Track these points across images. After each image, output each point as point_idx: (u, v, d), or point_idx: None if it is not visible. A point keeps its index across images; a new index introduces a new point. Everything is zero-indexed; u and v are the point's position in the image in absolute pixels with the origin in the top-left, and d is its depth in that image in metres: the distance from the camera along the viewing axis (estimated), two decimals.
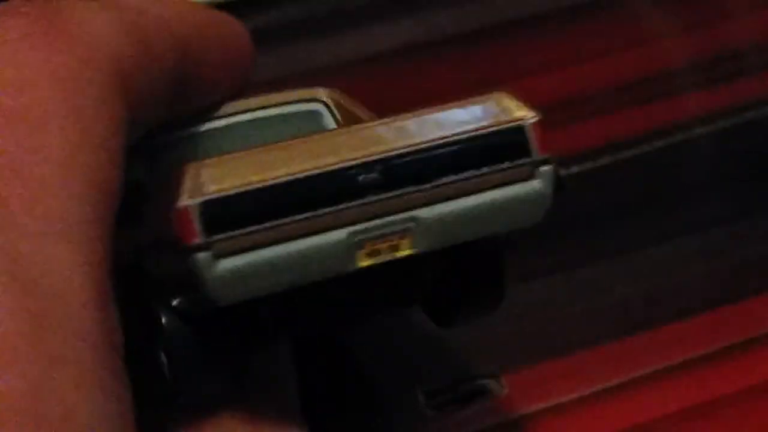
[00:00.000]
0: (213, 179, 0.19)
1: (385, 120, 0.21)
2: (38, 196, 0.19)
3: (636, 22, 0.41)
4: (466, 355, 0.30)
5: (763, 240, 0.34)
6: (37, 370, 0.17)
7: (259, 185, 0.19)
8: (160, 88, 0.22)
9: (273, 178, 0.20)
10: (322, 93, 0.25)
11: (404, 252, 0.20)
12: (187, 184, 0.19)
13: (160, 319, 0.21)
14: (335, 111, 0.25)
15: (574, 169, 0.35)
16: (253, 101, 0.25)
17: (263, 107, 0.25)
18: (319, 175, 0.20)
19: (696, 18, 0.41)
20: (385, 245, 0.20)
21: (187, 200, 0.19)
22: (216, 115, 0.25)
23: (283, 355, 0.24)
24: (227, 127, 0.25)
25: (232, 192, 0.19)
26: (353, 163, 0.20)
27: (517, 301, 0.31)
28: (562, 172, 0.33)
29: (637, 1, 0.42)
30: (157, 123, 0.23)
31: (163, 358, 0.22)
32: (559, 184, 0.28)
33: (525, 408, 0.30)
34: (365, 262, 0.20)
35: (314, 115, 0.25)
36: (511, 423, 0.29)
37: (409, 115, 0.21)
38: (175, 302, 0.21)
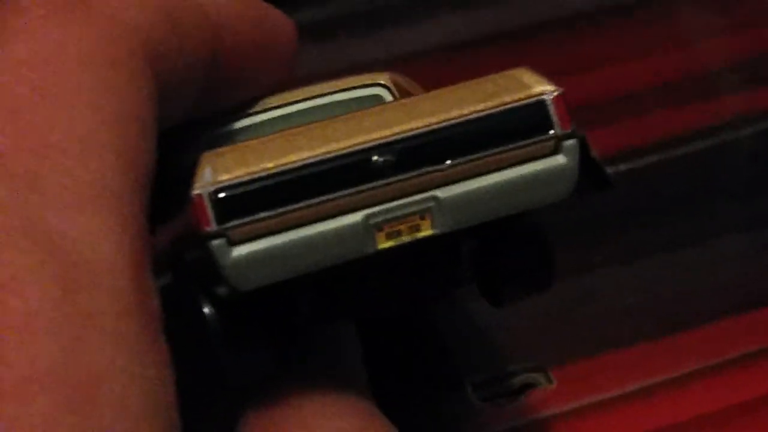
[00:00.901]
0: (226, 167, 0.20)
1: (405, 100, 0.21)
2: (67, 168, 0.19)
3: (678, 22, 0.41)
4: (514, 348, 0.31)
5: None
6: (67, 334, 0.17)
7: (272, 171, 0.19)
8: (192, 68, 0.22)
9: (286, 163, 0.20)
10: (383, 77, 0.25)
11: (425, 233, 0.20)
12: (201, 172, 0.19)
13: (201, 307, 0.21)
14: (397, 94, 0.25)
15: (621, 167, 0.35)
16: (314, 88, 0.25)
17: (325, 94, 0.25)
18: (332, 158, 0.20)
19: (737, 19, 0.41)
20: (404, 226, 0.20)
21: (199, 188, 0.19)
22: (277, 103, 0.25)
23: (346, 331, 0.24)
24: (288, 115, 0.25)
25: (244, 179, 0.19)
26: (368, 145, 0.20)
27: (565, 296, 0.32)
28: (609, 170, 0.33)
29: (680, 2, 0.42)
30: (194, 107, 0.23)
31: (206, 345, 0.22)
32: (606, 181, 0.28)
33: (572, 402, 0.30)
34: (385, 244, 0.20)
35: (376, 99, 0.25)
36: (557, 416, 0.30)
37: (428, 93, 0.21)
38: (212, 288, 0.21)
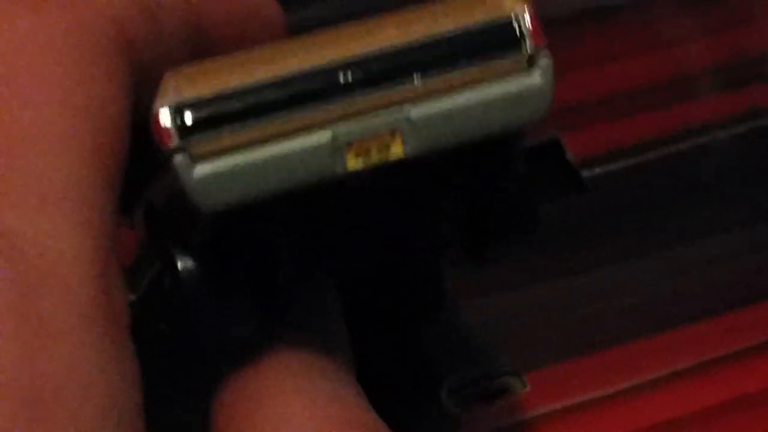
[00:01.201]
0: (188, 83, 0.19)
1: (377, 18, 0.21)
2: (31, 164, 0.18)
3: (659, 25, 0.42)
4: (488, 353, 0.31)
5: None
6: (26, 342, 0.17)
7: (235, 86, 0.19)
8: (171, 57, 0.21)
9: (250, 79, 0.19)
10: None
11: (396, 153, 0.20)
12: (163, 90, 0.19)
13: (174, 260, 0.21)
14: None
15: (597, 170, 0.35)
16: None
17: None
18: (298, 75, 0.19)
19: (719, 22, 0.41)
20: (374, 146, 0.20)
21: (161, 105, 0.19)
22: None
23: (325, 294, 0.24)
24: None
25: (206, 94, 0.19)
26: (336, 61, 0.20)
27: (539, 300, 0.32)
28: (585, 173, 0.33)
29: (660, 4, 0.42)
30: None
31: (182, 302, 0.21)
32: (580, 184, 0.28)
33: (547, 406, 0.30)
34: (355, 163, 0.20)
35: None
36: (532, 420, 0.29)
37: (401, 12, 0.21)
38: (181, 232, 0.21)
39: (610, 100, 0.38)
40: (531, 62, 0.20)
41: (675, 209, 0.35)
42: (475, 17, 0.20)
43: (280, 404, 0.21)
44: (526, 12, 0.20)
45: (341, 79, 0.19)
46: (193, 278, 0.21)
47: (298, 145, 0.19)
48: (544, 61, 0.20)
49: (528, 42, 0.20)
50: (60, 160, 0.18)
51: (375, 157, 0.20)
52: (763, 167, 0.36)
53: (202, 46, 0.22)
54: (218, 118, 0.19)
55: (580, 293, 0.33)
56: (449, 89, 0.20)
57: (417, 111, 0.20)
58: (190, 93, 0.19)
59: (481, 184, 0.23)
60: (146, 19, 0.21)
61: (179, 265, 0.21)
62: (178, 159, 0.19)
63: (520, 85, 0.20)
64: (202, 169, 0.19)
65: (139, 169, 0.21)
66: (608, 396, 0.30)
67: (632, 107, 0.38)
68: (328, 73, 0.19)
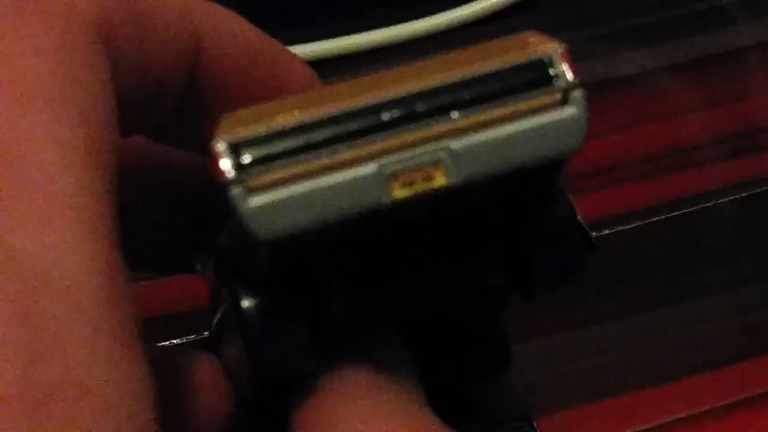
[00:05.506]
0: (242, 122, 0.20)
1: (419, 61, 0.22)
2: (30, 180, 0.18)
3: (664, 97, 0.43)
4: (499, 398, 0.32)
5: None
6: (29, 351, 0.17)
7: (287, 124, 0.20)
8: (162, 69, 0.22)
9: (301, 118, 0.20)
10: None
11: (439, 182, 0.21)
12: (219, 128, 0.20)
13: (237, 298, 0.22)
14: None
15: (605, 231, 0.37)
16: None
17: None
18: (346, 113, 0.20)
19: (720, 94, 0.43)
20: (418, 176, 0.21)
21: (218, 140, 0.20)
22: None
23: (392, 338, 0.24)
24: None
25: (259, 130, 0.20)
26: (379, 100, 0.21)
27: (551, 349, 0.34)
28: (594, 234, 0.34)
29: (665, 78, 0.44)
30: (166, 120, 0.23)
31: (245, 339, 0.22)
32: (591, 244, 0.29)
33: None
34: (400, 193, 0.20)
35: None
36: None
37: (441, 54, 0.22)
38: (244, 271, 0.22)
39: (620, 166, 0.40)
40: (565, 96, 0.21)
41: (679, 268, 0.37)
42: (513, 57, 0.21)
43: (350, 424, 0.21)
44: (560, 51, 0.21)
45: (386, 117, 0.21)
46: (255, 315, 0.22)
47: (346, 176, 0.20)
48: (577, 94, 0.21)
49: (562, 77, 0.21)
50: (59, 171, 0.18)
51: (419, 187, 0.21)
52: (763, 230, 0.38)
53: (202, 74, 0.23)
54: (272, 152, 0.20)
55: (589, 345, 0.34)
56: (489, 123, 0.21)
57: (457, 143, 0.21)
58: (244, 129, 0.20)
59: (525, 227, 0.24)
60: (133, 26, 0.21)
61: (242, 302, 0.22)
62: (234, 191, 0.20)
63: (555, 116, 0.21)
64: (256, 200, 0.20)
65: (207, 222, 0.21)
66: None
67: (639, 173, 0.40)
68: (374, 111, 0.21)
